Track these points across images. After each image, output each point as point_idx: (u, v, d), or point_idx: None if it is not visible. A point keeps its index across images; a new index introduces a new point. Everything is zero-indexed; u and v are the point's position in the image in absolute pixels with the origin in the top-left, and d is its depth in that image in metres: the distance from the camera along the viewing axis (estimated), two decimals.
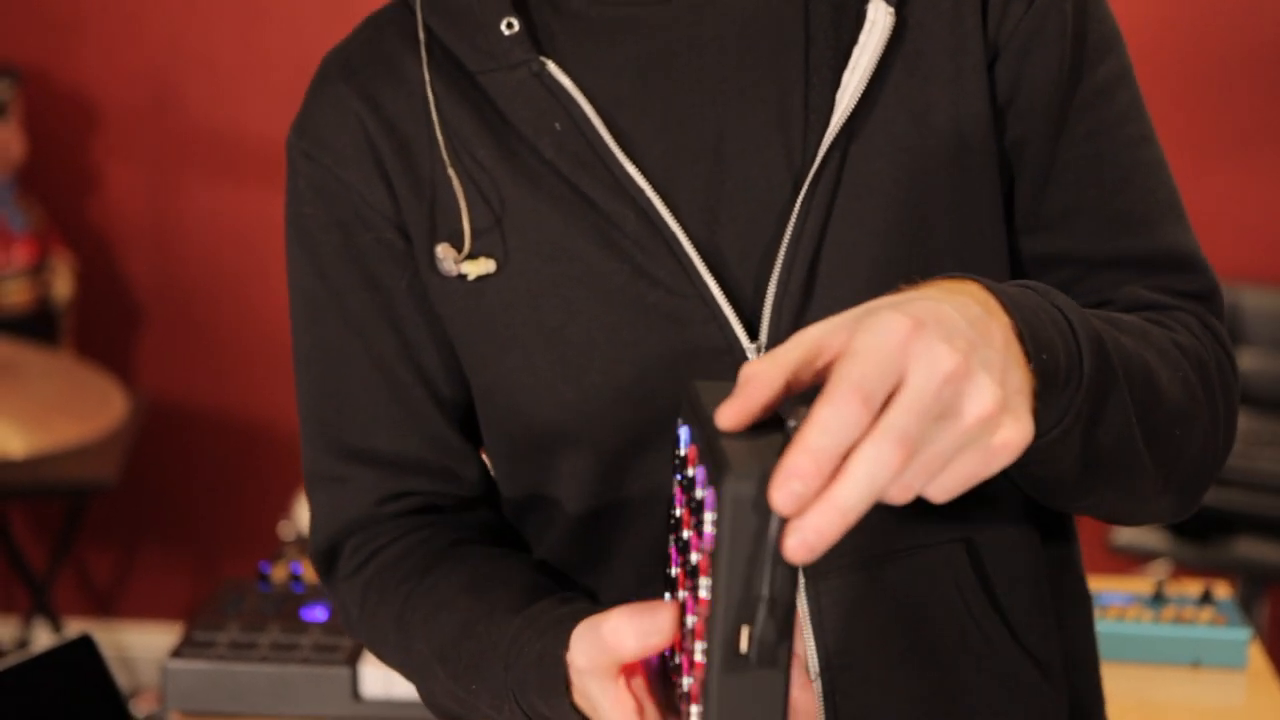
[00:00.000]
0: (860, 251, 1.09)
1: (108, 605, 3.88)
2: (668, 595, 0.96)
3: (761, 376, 0.81)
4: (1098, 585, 2.32)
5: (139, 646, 3.76)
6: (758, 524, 0.79)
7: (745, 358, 1.08)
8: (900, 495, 0.79)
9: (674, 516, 0.93)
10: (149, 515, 3.84)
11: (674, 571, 0.93)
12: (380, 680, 2.06)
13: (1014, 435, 0.81)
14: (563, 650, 1.00)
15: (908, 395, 0.78)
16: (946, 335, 0.80)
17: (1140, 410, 0.99)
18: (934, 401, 0.78)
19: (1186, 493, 1.11)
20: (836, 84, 1.09)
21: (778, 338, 1.08)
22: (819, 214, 1.08)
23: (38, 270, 3.48)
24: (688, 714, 0.88)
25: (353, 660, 2.08)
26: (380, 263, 1.17)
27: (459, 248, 1.12)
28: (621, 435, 1.11)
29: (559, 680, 1.00)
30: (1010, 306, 0.89)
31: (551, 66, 1.11)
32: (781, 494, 0.77)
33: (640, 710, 0.92)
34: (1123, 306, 1.11)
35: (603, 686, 0.94)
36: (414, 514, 1.21)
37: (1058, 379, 0.91)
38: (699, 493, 0.85)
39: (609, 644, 0.91)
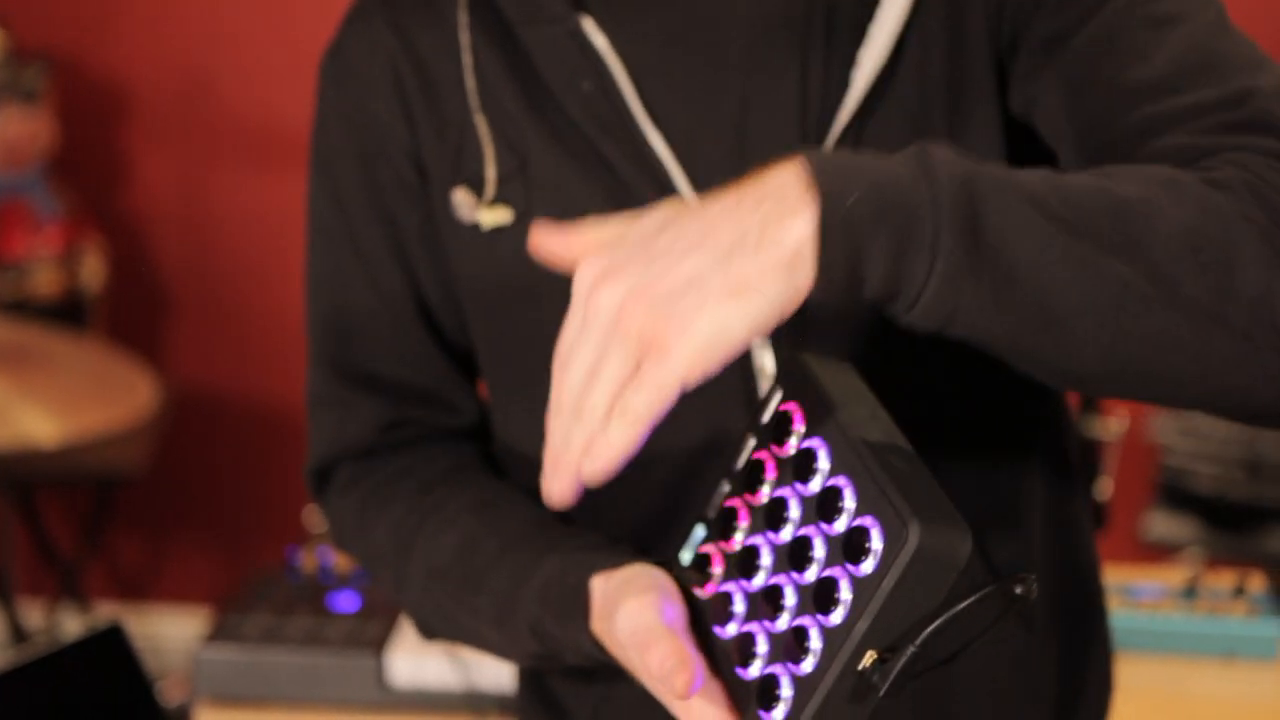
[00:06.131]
0: None
1: (135, 590, 3.89)
2: (700, 528, 0.98)
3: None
4: (1131, 578, 2.31)
5: (166, 631, 3.77)
6: (936, 580, 0.82)
7: None
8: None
9: (756, 479, 0.93)
10: (177, 502, 3.85)
11: (742, 527, 0.94)
12: (408, 669, 2.06)
13: (663, 337, 0.82)
14: (586, 577, 1.02)
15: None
16: (607, 265, 0.84)
17: (1098, 238, 0.86)
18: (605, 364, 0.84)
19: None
20: (854, 61, 1.08)
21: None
22: None
23: (68, 257, 3.49)
24: (768, 694, 0.89)
25: (380, 649, 2.08)
26: (396, 198, 1.17)
27: (478, 193, 1.12)
28: None
29: (578, 606, 1.02)
30: (818, 174, 0.83)
31: (588, 25, 1.10)
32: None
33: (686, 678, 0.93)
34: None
35: (644, 660, 0.95)
36: (414, 442, 1.22)
37: (885, 224, 0.83)
38: (815, 483, 0.88)
39: (653, 670, 0.92)
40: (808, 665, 0.86)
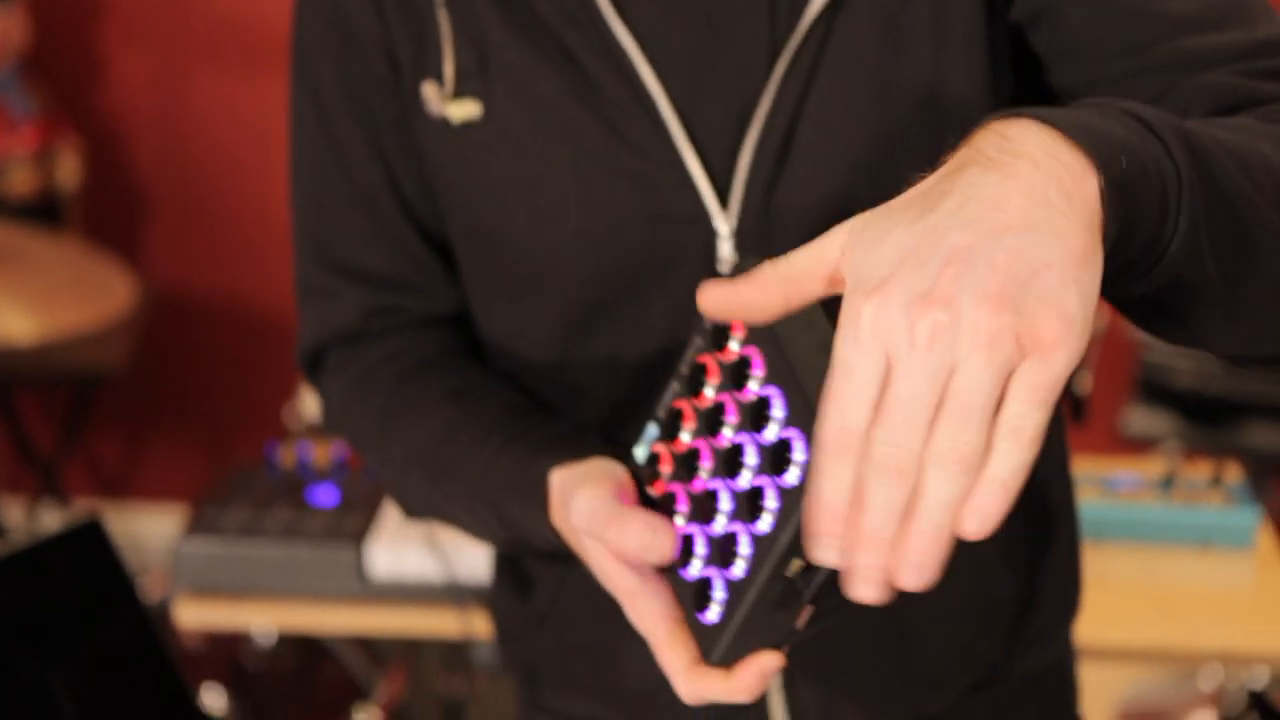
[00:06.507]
0: (837, 126, 1.06)
1: (115, 488, 3.90)
2: (652, 426, 0.98)
3: (762, 281, 0.77)
4: (1109, 469, 2.32)
5: (146, 529, 3.78)
6: None
7: (713, 227, 1.08)
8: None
9: (699, 382, 0.93)
10: (156, 400, 3.84)
11: (687, 429, 0.94)
12: (387, 561, 2.07)
13: (1050, 334, 0.69)
14: (547, 469, 1.03)
15: (950, 409, 0.68)
16: (920, 281, 0.69)
17: (1258, 191, 0.86)
18: (983, 394, 0.68)
19: None
20: None
21: (749, 209, 1.07)
22: (797, 87, 1.06)
23: (43, 156, 3.46)
24: (702, 595, 0.90)
25: (360, 541, 2.09)
26: (371, 93, 1.17)
27: (442, 86, 1.12)
28: (587, 291, 1.12)
29: (539, 495, 1.03)
30: (1071, 132, 0.76)
31: None
32: (824, 554, 0.73)
33: (635, 568, 0.94)
34: (1205, 105, 0.98)
35: (600, 550, 0.96)
36: (399, 328, 1.24)
37: (1148, 182, 0.78)
38: (755, 392, 0.86)
39: (610, 542, 0.93)
40: (738, 570, 0.87)
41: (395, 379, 1.21)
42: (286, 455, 2.32)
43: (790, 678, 1.17)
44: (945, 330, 0.68)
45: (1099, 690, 2.68)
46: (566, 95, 1.09)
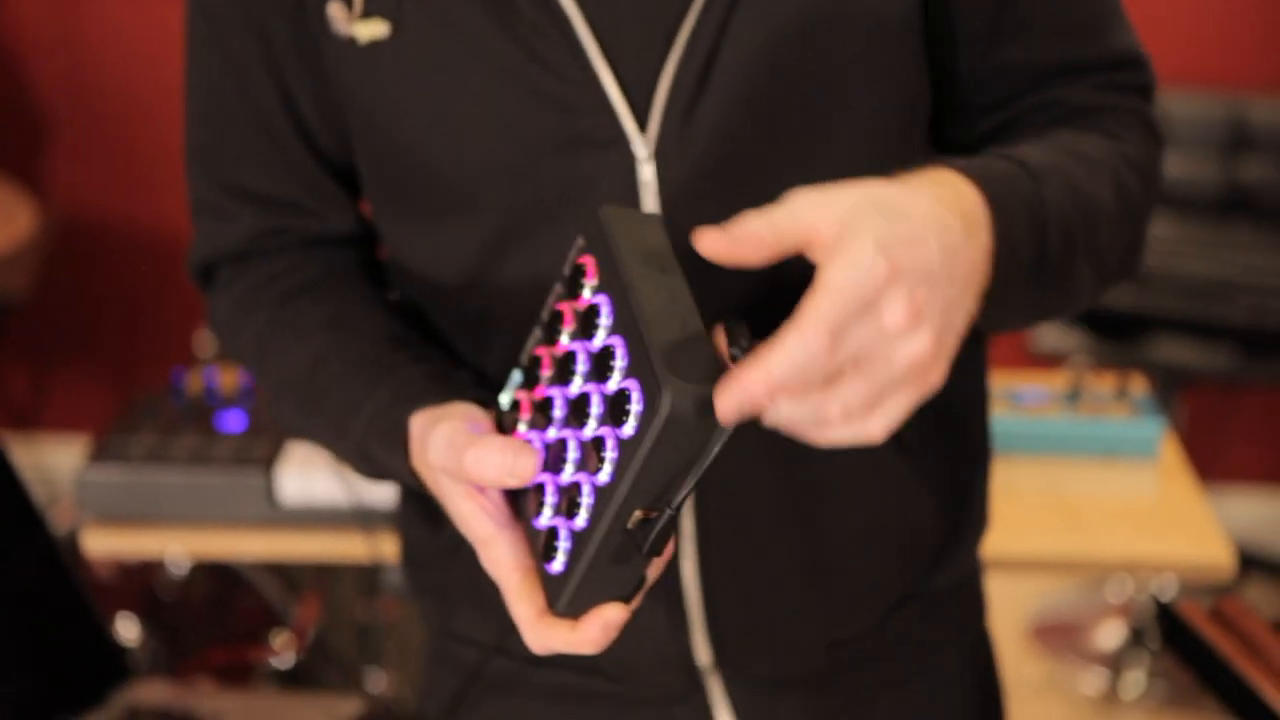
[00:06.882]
0: (759, 53, 1.05)
1: (23, 420, 3.85)
2: (517, 373, 0.99)
3: (757, 239, 0.85)
4: (1017, 383, 2.34)
5: (55, 461, 3.74)
6: (691, 444, 0.82)
7: (632, 151, 1.06)
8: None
9: (556, 329, 0.93)
10: (63, 329, 3.80)
11: (545, 377, 0.95)
12: (297, 486, 2.06)
13: (936, 378, 0.88)
14: (408, 414, 1.03)
15: (872, 378, 0.86)
16: (912, 287, 0.85)
17: (1092, 258, 1.06)
18: (881, 354, 0.85)
19: (1113, 284, 1.16)
20: None
21: (667, 133, 1.06)
22: (721, 8, 1.05)
23: None
24: (549, 545, 0.91)
25: (269, 467, 2.07)
26: (265, 10, 1.15)
27: (350, 7, 1.10)
28: (500, 216, 1.10)
29: (399, 440, 1.04)
30: (997, 218, 0.95)
31: None
32: (728, 407, 0.82)
33: (491, 515, 0.95)
34: (1072, 109, 1.12)
35: (455, 487, 0.97)
36: (289, 247, 1.23)
37: (1020, 272, 0.98)
38: (600, 337, 0.88)
39: (467, 469, 0.93)
40: (581, 521, 0.87)
41: (276, 300, 1.20)
42: (193, 381, 2.30)
43: (712, 600, 1.17)
44: (908, 330, 0.85)
45: (1009, 603, 2.72)
46: (479, 14, 1.07)
